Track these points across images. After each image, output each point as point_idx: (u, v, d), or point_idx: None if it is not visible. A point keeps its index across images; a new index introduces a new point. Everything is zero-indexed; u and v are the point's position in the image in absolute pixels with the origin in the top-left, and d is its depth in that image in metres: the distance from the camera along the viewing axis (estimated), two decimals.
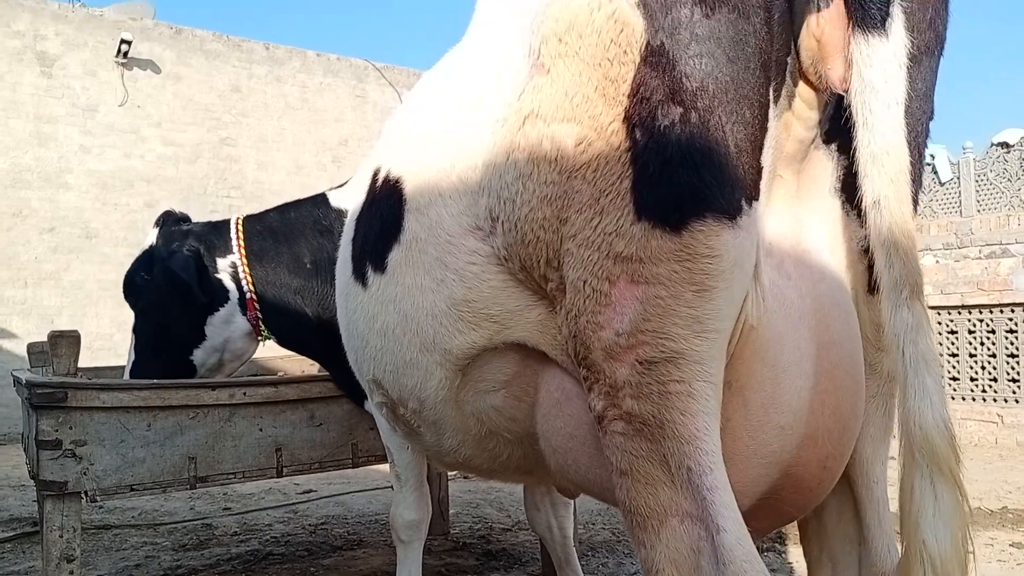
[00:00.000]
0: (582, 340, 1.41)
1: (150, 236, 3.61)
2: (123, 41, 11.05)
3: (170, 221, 3.63)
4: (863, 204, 1.33)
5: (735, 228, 1.29)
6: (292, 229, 3.41)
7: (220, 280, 3.39)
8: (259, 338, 3.49)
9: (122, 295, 3.67)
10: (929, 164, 12.52)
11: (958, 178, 12.20)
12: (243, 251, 3.39)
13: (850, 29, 1.28)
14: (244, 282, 3.35)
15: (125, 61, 11.29)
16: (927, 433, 1.29)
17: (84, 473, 2.73)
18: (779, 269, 1.44)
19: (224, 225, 3.53)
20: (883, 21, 1.26)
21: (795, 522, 1.77)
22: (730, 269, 1.30)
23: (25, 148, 10.69)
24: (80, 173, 11.03)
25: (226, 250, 3.41)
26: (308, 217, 3.41)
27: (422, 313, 1.78)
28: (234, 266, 3.38)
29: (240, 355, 3.56)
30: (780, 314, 1.41)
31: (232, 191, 12.23)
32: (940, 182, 12.38)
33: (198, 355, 3.44)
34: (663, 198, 1.29)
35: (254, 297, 3.36)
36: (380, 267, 1.91)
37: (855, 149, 1.32)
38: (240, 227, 3.47)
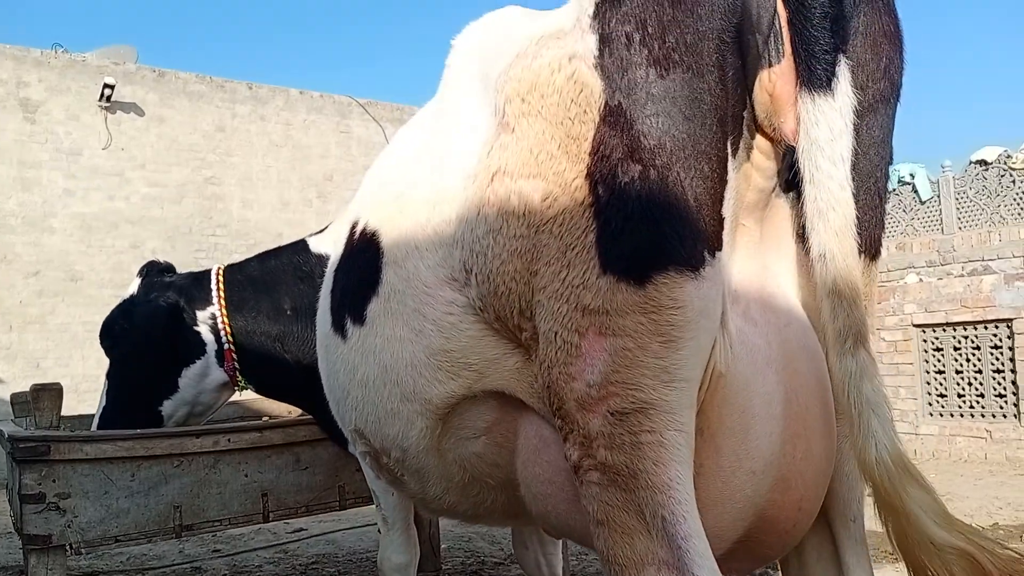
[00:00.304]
0: (555, 391, 1.43)
1: (132, 285, 3.61)
2: (106, 85, 11.10)
3: (153, 271, 3.64)
4: (811, 256, 1.37)
5: (698, 279, 1.32)
6: (272, 277, 3.41)
7: (198, 333, 3.38)
8: (236, 388, 3.48)
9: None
10: (909, 183, 12.67)
11: (938, 196, 12.33)
12: (223, 302, 3.39)
13: (797, 87, 1.33)
14: (223, 333, 3.34)
15: (108, 105, 11.35)
16: (870, 470, 1.34)
17: (68, 526, 2.73)
18: (745, 316, 1.47)
19: (205, 276, 3.52)
20: (828, 81, 1.31)
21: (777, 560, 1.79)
22: (695, 319, 1.33)
23: (9, 193, 10.69)
24: (64, 217, 11.03)
25: (206, 302, 3.41)
26: (288, 264, 3.42)
27: (401, 364, 1.80)
28: (214, 318, 3.37)
29: (210, 406, 3.55)
30: (748, 361, 1.44)
31: (218, 229, 12.25)
32: (921, 201, 12.52)
33: (167, 406, 3.42)
34: (626, 252, 1.33)
35: (232, 348, 3.35)
36: (359, 319, 1.93)
37: (802, 203, 1.37)
38: (221, 277, 3.46)
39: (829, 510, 1.64)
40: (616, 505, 1.36)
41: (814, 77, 1.31)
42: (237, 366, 3.36)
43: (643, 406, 1.33)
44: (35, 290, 10.77)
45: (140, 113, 11.79)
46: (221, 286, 3.41)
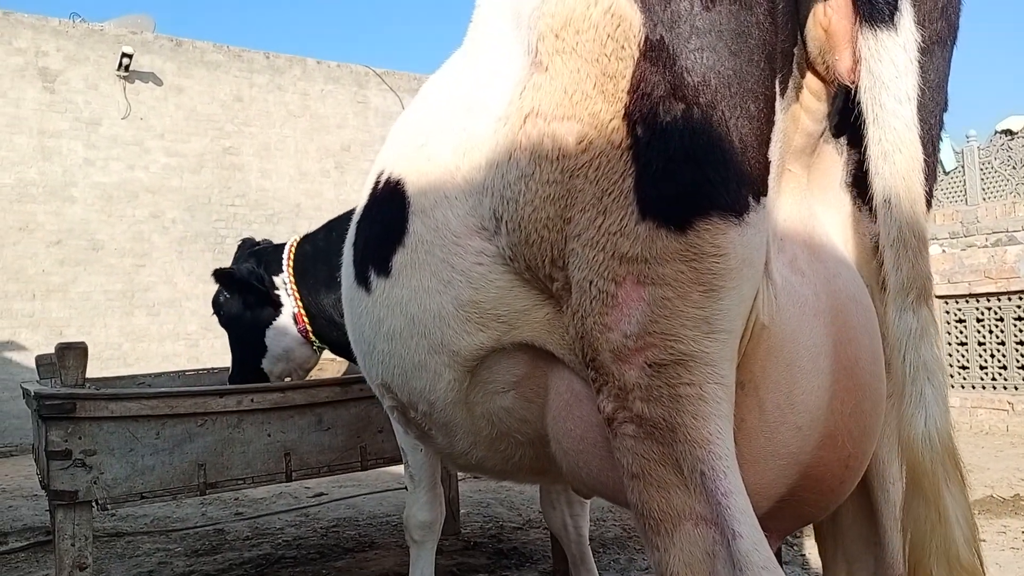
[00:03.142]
0: (589, 342, 1.38)
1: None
2: (124, 55, 11.08)
3: (246, 245, 4.17)
4: (874, 202, 1.29)
5: (742, 225, 1.26)
6: (330, 245, 3.68)
7: (278, 296, 3.80)
8: (313, 348, 3.85)
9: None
10: None
11: (963, 167, 12.15)
12: (291, 269, 3.78)
13: (857, 23, 1.25)
14: (293, 298, 3.73)
15: (127, 74, 11.33)
16: (913, 446, 1.25)
17: (94, 482, 2.74)
18: (792, 266, 1.40)
19: (282, 246, 3.93)
20: (891, 15, 1.23)
21: None
22: (738, 268, 1.27)
23: (30, 163, 10.72)
24: (85, 186, 11.07)
25: (279, 269, 3.80)
26: (342, 233, 3.59)
27: (429, 315, 1.76)
28: (285, 283, 3.76)
29: (303, 363, 3.95)
30: (794, 312, 1.38)
31: (236, 199, 12.25)
32: (945, 171, 12.33)
33: (265, 364, 3.88)
34: (667, 196, 1.27)
35: (301, 311, 3.72)
36: (384, 271, 1.89)
37: (865, 145, 1.29)
38: (293, 247, 3.85)
39: (868, 471, 1.58)
40: (653, 459, 1.32)
41: (876, 11, 1.23)
42: (308, 327, 3.74)
43: (682, 358, 1.28)
44: (57, 259, 10.84)
45: (158, 83, 11.76)
46: (292, 255, 3.80)
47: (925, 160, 1.42)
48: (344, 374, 4.38)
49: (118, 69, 11.24)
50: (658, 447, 1.31)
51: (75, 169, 11.03)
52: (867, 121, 1.27)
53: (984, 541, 4.31)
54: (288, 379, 3.93)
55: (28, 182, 10.69)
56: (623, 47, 1.30)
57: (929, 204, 1.47)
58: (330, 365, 4.73)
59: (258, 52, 12.70)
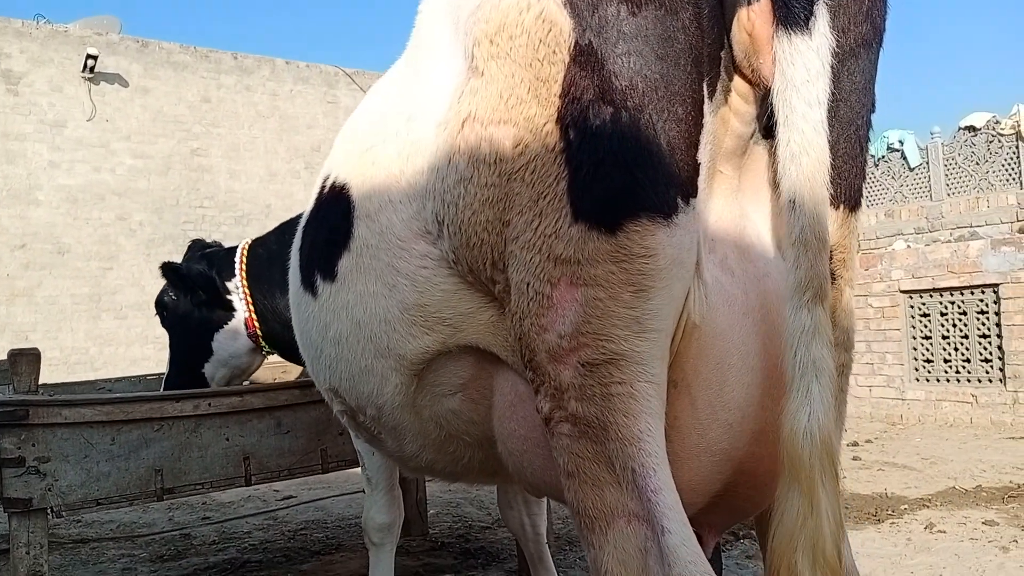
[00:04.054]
0: (527, 343, 1.41)
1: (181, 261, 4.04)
2: (89, 56, 10.98)
3: (196, 247, 4.07)
4: (781, 202, 1.32)
5: (671, 226, 1.29)
6: (283, 248, 3.58)
7: (230, 300, 3.74)
8: (262, 352, 3.82)
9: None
10: (898, 150, 12.66)
11: (927, 163, 12.34)
12: (244, 273, 3.73)
13: (774, 26, 1.28)
14: (244, 302, 3.70)
15: (92, 76, 11.22)
16: (794, 439, 1.28)
17: (49, 489, 2.72)
18: (722, 266, 1.43)
19: (234, 250, 3.87)
20: (806, 19, 1.26)
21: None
22: (667, 268, 1.30)
23: None
24: (50, 189, 10.94)
25: (231, 273, 3.75)
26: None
27: (375, 319, 1.77)
28: (237, 288, 3.72)
29: (245, 368, 3.90)
30: (724, 311, 1.40)
31: (205, 201, 12.17)
32: (910, 167, 12.52)
33: (208, 369, 3.79)
34: (597, 199, 1.29)
35: (253, 316, 3.68)
36: (330, 275, 1.90)
37: (775, 146, 1.32)
38: (245, 251, 3.80)
39: None
40: (586, 457, 1.34)
41: (791, 15, 1.26)
42: (259, 332, 3.70)
43: (614, 357, 1.31)
44: (22, 263, 10.71)
45: (124, 84, 11.66)
46: (244, 258, 3.75)
47: (855, 158, 1.45)
48: (302, 376, 4.35)
49: (83, 71, 11.14)
50: (591, 445, 1.33)
51: (39, 172, 10.90)
52: (778, 123, 1.30)
53: (944, 532, 4.43)
54: (229, 383, 3.86)
55: None
56: (554, 52, 1.32)
57: (859, 203, 1.50)
58: (294, 367, 4.70)
59: (226, 53, 12.62)
